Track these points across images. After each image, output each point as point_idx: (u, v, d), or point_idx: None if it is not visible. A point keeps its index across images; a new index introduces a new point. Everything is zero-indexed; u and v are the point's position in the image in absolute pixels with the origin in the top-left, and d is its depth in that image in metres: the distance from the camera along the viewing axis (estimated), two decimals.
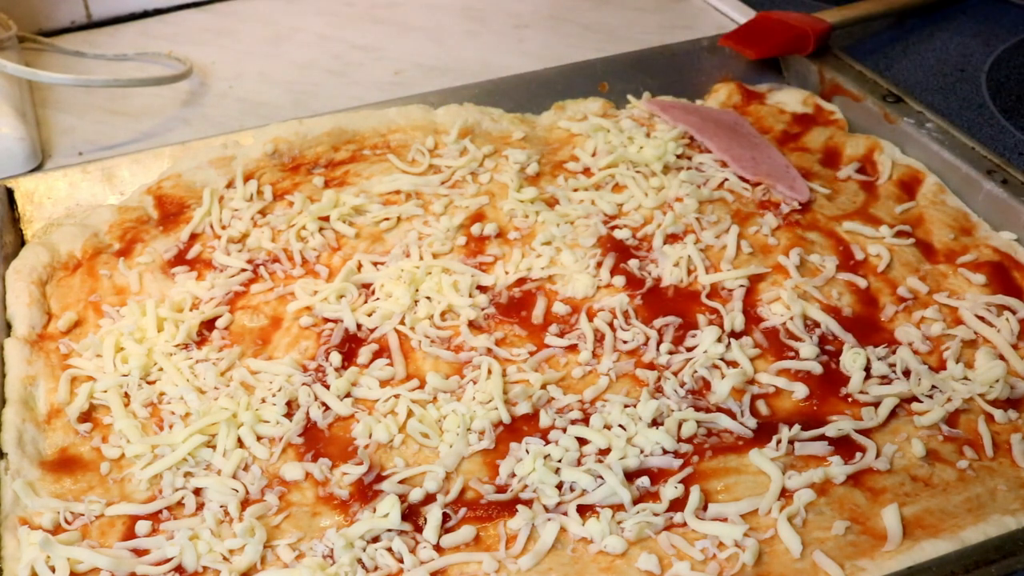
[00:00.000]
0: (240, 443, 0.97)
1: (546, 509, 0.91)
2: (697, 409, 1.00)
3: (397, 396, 1.01)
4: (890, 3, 1.66)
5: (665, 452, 0.96)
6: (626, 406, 1.00)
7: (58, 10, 1.65)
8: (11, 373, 1.03)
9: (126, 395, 1.03)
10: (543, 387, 1.03)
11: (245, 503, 0.93)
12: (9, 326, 1.09)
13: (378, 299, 1.12)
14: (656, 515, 0.90)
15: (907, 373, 1.04)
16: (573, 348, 1.08)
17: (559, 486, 0.93)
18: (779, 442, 0.96)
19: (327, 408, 1.00)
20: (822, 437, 0.97)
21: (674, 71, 1.50)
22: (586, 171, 1.32)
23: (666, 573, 0.87)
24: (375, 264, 1.17)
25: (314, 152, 1.32)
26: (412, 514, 0.91)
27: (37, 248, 1.17)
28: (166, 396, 1.02)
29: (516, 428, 0.99)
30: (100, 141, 1.40)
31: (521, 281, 1.16)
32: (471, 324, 1.10)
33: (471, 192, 1.28)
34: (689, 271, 1.16)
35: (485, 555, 0.88)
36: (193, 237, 1.22)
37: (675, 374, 1.04)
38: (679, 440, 0.97)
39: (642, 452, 0.96)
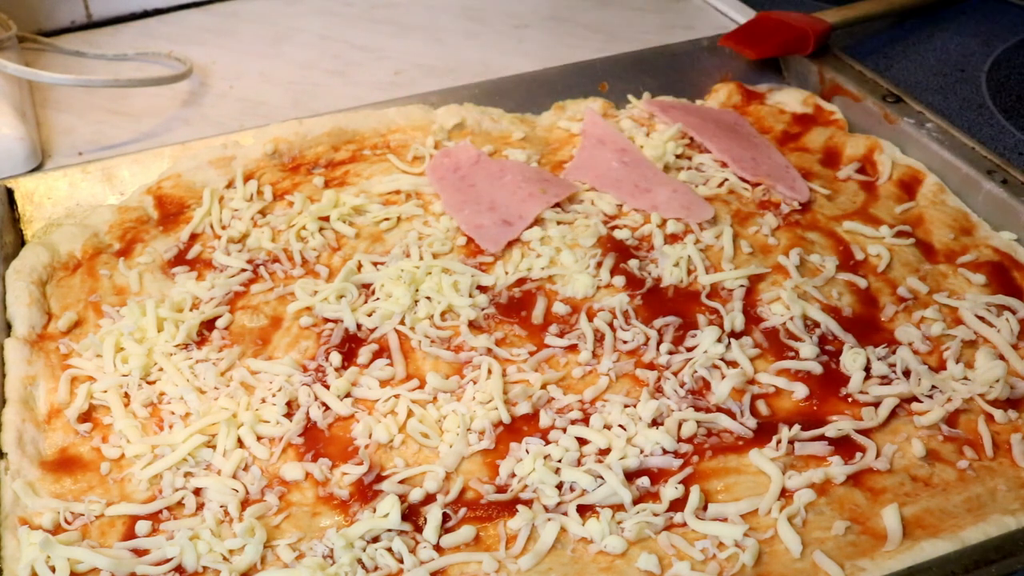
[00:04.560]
0: (240, 443, 0.97)
1: (546, 509, 0.91)
2: (697, 409, 1.00)
3: (397, 396, 1.01)
4: (890, 3, 1.66)
5: (665, 452, 0.96)
6: (626, 406, 1.00)
7: (58, 10, 1.65)
8: (11, 373, 1.03)
9: (126, 395, 1.03)
10: (543, 387, 1.03)
11: (245, 503, 0.93)
12: (9, 326, 1.09)
13: (378, 299, 1.12)
14: (656, 515, 0.90)
15: (907, 373, 1.04)
16: (573, 348, 1.08)
17: (559, 486, 0.93)
18: (779, 442, 0.97)
19: (327, 408, 1.00)
20: (822, 437, 0.97)
21: (674, 71, 1.50)
22: None
23: (666, 573, 0.87)
24: (375, 264, 1.17)
25: (314, 152, 1.32)
26: (412, 514, 0.91)
27: (37, 248, 1.17)
28: (166, 396, 1.02)
29: (516, 428, 0.99)
30: (100, 141, 1.40)
31: (521, 281, 1.16)
32: (471, 324, 1.10)
33: None
34: (689, 271, 1.16)
35: (485, 555, 0.88)
36: (193, 237, 1.22)
37: (675, 374, 1.04)
38: (679, 440, 0.97)
39: (642, 452, 0.96)
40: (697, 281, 1.15)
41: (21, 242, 1.23)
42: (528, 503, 0.92)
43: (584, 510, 0.91)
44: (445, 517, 0.91)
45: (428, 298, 1.12)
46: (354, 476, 0.94)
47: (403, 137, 1.35)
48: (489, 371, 1.03)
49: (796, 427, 0.98)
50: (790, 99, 1.46)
